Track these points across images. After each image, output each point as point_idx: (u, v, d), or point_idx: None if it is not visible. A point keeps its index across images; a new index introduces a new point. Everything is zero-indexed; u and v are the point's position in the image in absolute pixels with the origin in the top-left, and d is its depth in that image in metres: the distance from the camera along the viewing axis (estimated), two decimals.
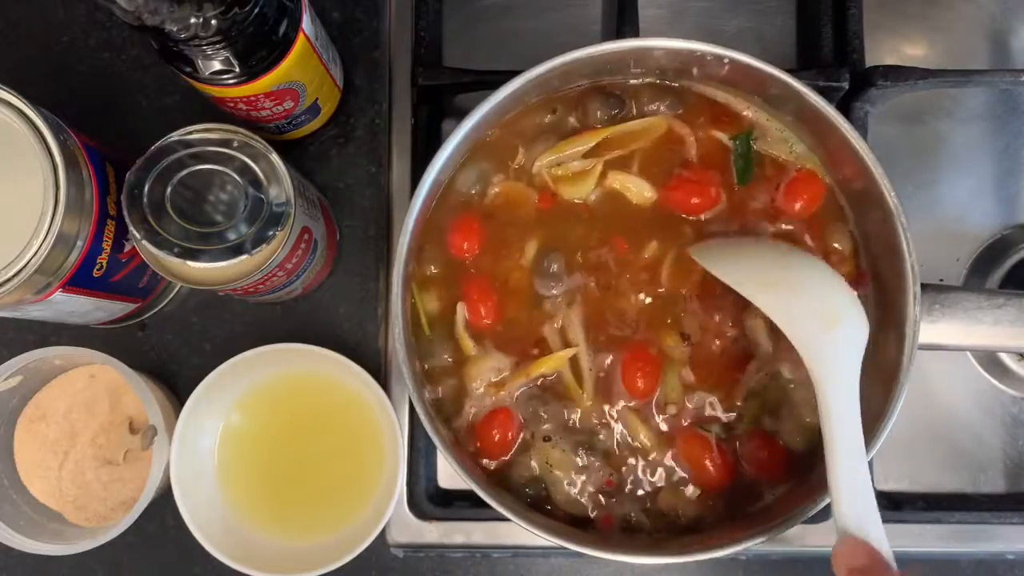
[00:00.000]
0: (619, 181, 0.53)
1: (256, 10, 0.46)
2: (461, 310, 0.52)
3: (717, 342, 0.52)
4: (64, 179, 0.45)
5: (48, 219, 0.45)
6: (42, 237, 0.45)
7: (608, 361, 0.52)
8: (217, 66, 0.48)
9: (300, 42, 0.50)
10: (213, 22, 0.44)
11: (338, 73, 0.60)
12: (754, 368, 0.52)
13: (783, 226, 0.53)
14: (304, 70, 0.53)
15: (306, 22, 0.51)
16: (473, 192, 0.53)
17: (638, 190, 0.53)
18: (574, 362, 0.52)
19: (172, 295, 0.62)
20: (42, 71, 0.64)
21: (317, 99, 0.58)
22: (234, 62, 0.48)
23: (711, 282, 0.51)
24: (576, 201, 0.53)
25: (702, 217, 0.53)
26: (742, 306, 0.52)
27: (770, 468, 0.52)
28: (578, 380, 0.52)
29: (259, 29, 0.47)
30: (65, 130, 0.47)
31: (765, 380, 0.52)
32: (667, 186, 0.53)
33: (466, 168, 0.53)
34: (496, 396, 0.52)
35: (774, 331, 0.51)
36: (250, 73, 0.50)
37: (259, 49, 0.49)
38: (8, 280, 0.45)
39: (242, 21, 0.45)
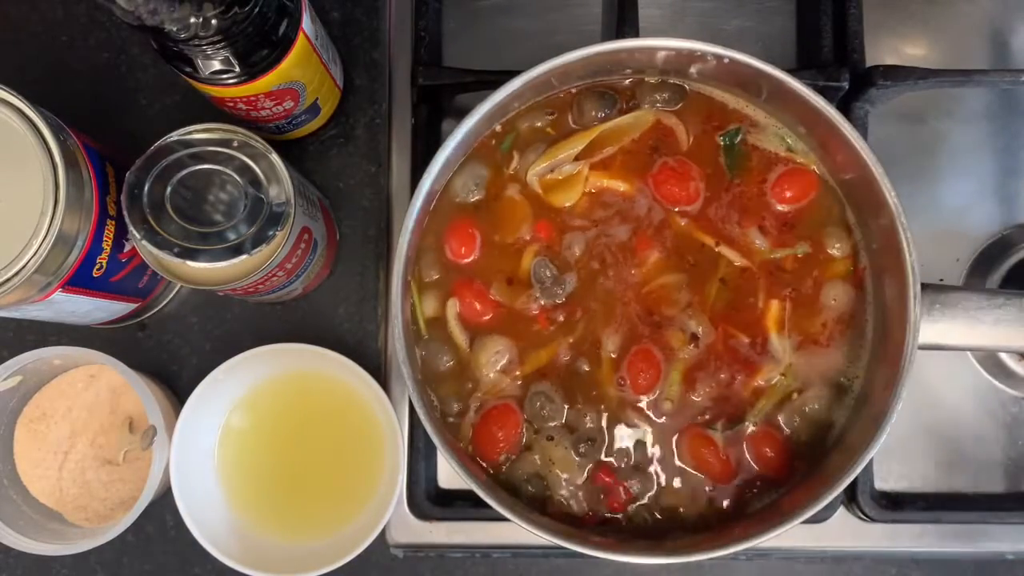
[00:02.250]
0: (605, 182, 0.53)
1: (256, 10, 0.46)
2: (452, 305, 0.52)
3: (727, 347, 0.53)
4: (64, 179, 0.45)
5: (48, 219, 0.45)
6: (42, 237, 0.45)
7: (614, 357, 0.52)
8: (217, 66, 0.48)
9: (300, 42, 0.50)
10: (213, 22, 0.44)
11: (338, 73, 0.60)
12: (767, 368, 0.52)
13: (773, 221, 0.53)
14: (304, 70, 0.53)
15: (306, 22, 0.51)
16: (470, 198, 0.53)
17: (623, 188, 0.53)
18: (593, 347, 0.53)
19: (172, 295, 0.62)
20: (42, 71, 0.64)
21: (317, 99, 0.58)
22: (234, 62, 0.48)
23: (729, 291, 0.51)
24: (567, 206, 0.53)
25: (686, 208, 0.53)
26: (761, 314, 0.52)
27: (775, 466, 0.52)
28: (597, 364, 0.52)
29: (259, 29, 0.47)
30: (65, 130, 0.47)
31: (776, 380, 0.52)
32: (654, 177, 0.53)
33: (462, 173, 0.53)
34: (506, 383, 0.52)
35: (790, 340, 0.52)
36: (250, 73, 0.50)
37: (259, 49, 0.49)
38: (8, 280, 0.45)
39: (242, 21, 0.45)
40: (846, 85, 0.58)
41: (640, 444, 0.52)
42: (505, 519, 0.47)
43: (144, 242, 0.47)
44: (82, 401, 0.59)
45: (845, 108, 0.59)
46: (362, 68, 0.64)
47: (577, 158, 0.53)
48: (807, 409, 0.52)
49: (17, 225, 0.45)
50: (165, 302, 0.62)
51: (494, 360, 0.52)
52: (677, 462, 0.52)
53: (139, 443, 0.58)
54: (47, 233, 0.45)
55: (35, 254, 0.45)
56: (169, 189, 0.47)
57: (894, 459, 0.61)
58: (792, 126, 0.53)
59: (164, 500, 0.58)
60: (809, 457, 0.52)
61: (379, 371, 0.62)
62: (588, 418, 0.52)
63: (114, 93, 0.64)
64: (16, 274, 0.45)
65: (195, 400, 0.55)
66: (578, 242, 0.53)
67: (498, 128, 0.54)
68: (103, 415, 0.59)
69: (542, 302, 0.52)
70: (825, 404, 0.52)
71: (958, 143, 0.64)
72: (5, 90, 0.46)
